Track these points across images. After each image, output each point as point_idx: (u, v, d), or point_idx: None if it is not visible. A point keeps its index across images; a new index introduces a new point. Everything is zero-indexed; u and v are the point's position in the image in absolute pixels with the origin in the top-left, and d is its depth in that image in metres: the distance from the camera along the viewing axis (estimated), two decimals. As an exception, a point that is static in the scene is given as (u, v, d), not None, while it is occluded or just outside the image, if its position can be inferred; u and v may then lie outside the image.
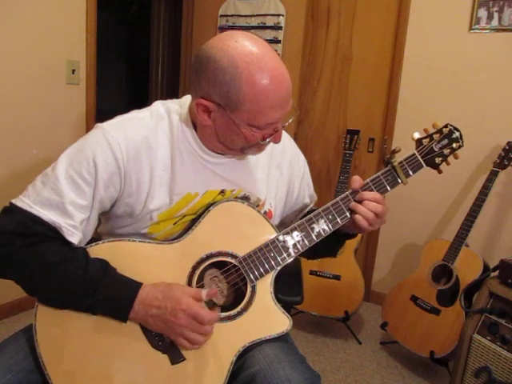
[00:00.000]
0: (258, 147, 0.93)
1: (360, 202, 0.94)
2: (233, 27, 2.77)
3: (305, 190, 1.15)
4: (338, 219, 0.95)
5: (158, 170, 0.91)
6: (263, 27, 2.68)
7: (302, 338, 2.26)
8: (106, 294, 0.84)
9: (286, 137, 1.07)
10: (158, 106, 0.97)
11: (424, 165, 0.98)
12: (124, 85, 4.85)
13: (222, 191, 0.97)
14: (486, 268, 1.87)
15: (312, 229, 0.94)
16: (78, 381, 0.86)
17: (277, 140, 0.93)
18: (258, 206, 1.02)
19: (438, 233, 2.43)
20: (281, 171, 1.07)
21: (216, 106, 0.86)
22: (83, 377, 0.86)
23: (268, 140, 0.90)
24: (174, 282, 0.89)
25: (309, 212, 1.10)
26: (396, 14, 2.47)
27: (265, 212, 1.03)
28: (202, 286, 0.94)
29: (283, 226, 1.00)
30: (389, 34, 2.51)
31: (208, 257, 0.92)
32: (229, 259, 0.93)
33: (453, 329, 1.84)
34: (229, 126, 0.88)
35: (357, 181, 0.96)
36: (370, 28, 2.58)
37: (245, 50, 0.82)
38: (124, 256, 0.90)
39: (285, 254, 0.93)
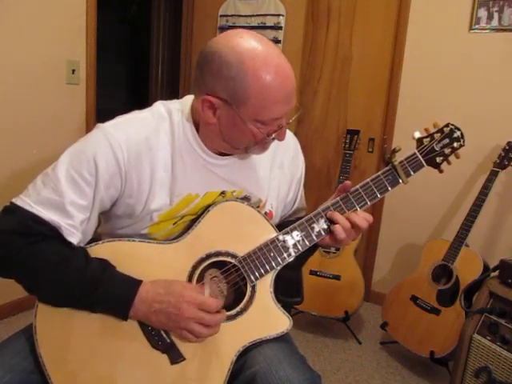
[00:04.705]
0: (263, 145, 0.93)
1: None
2: (233, 27, 2.77)
3: (298, 191, 1.13)
4: None
5: (159, 170, 0.91)
6: (263, 27, 2.68)
7: (302, 338, 2.26)
8: (106, 291, 0.84)
9: (290, 135, 1.07)
10: (159, 106, 0.97)
11: (425, 164, 0.97)
12: (124, 85, 4.85)
13: (223, 192, 0.97)
14: (486, 268, 1.87)
15: (312, 228, 0.94)
16: (78, 381, 0.86)
17: (281, 137, 0.93)
18: (258, 206, 1.02)
19: (438, 233, 2.43)
20: (283, 171, 1.07)
21: (222, 102, 0.86)
22: (84, 377, 0.86)
23: (273, 136, 0.91)
24: (174, 281, 0.89)
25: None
26: (396, 14, 2.47)
27: (265, 213, 1.02)
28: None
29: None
30: (389, 34, 2.51)
31: (208, 256, 0.92)
32: (228, 259, 0.93)
33: (453, 329, 1.84)
34: (234, 123, 0.88)
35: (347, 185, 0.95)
36: (370, 28, 2.58)
37: (250, 46, 0.83)
38: (124, 256, 0.90)
39: (285, 254, 0.93)
